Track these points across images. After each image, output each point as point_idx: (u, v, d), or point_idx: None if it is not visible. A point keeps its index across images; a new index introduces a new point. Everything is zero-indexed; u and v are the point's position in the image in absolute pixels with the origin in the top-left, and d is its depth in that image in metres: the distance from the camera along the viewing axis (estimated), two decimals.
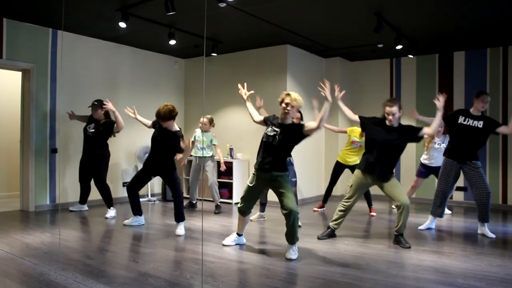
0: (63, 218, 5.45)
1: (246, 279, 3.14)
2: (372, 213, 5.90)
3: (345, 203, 4.37)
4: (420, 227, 4.88)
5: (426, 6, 4.92)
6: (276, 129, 3.69)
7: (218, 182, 6.74)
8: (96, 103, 5.61)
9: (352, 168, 5.61)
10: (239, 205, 3.99)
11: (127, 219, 5.14)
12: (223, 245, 4.06)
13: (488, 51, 6.69)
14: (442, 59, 7.11)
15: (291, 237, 3.71)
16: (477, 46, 6.64)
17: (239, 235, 4.13)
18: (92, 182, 5.76)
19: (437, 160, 5.58)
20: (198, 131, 6.17)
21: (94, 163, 5.60)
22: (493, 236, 4.45)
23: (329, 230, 4.45)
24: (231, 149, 7.10)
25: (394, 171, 4.24)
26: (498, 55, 6.60)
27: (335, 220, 4.43)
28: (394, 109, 4.05)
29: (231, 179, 6.80)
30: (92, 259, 3.59)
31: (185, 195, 6.59)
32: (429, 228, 4.88)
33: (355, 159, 5.76)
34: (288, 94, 3.71)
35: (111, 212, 5.51)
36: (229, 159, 6.90)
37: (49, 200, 5.99)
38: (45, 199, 5.95)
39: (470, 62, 6.83)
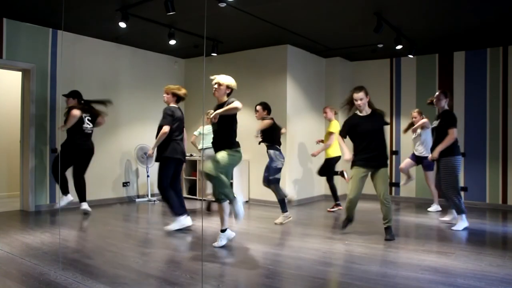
0: (63, 218, 5.45)
1: (246, 279, 3.14)
2: (332, 209, 6.01)
3: (350, 198, 4.47)
4: (453, 228, 4.76)
5: (426, 6, 4.93)
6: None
7: None
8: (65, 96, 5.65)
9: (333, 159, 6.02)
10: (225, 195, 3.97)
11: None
12: (214, 246, 3.94)
13: (488, 51, 6.68)
14: (442, 59, 7.10)
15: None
16: (477, 46, 6.64)
17: (223, 231, 4.00)
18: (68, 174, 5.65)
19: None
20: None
21: (84, 157, 5.60)
22: (459, 229, 4.62)
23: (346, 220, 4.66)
24: None
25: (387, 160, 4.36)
26: (498, 55, 6.60)
27: (347, 216, 4.64)
28: (360, 94, 4.39)
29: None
30: (92, 259, 3.59)
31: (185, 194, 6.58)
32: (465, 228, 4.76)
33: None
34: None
35: (85, 205, 5.54)
36: None
37: (49, 200, 5.99)
38: (45, 199, 5.95)
39: (470, 62, 6.83)
